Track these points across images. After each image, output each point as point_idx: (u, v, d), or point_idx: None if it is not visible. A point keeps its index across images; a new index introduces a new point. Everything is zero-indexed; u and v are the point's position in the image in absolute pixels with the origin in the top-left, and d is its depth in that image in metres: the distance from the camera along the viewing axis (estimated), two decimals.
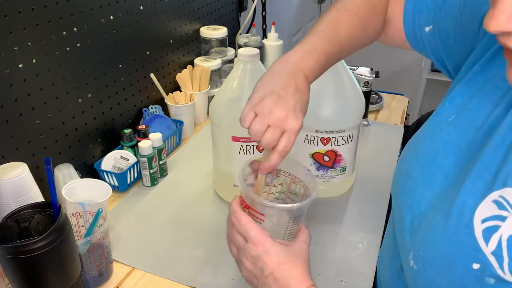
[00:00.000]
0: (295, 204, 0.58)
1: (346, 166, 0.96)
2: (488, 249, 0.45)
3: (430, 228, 0.52)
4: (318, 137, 0.91)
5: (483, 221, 0.46)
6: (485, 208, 0.47)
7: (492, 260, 0.45)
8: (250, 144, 0.88)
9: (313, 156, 0.93)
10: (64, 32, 0.88)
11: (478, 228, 0.47)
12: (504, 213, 0.45)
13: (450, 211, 0.49)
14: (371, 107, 1.35)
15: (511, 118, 0.49)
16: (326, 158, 0.94)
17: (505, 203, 0.45)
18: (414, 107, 2.75)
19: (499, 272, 0.45)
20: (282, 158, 0.59)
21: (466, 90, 0.58)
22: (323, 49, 0.63)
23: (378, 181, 1.04)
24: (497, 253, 0.45)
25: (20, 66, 0.79)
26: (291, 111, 0.58)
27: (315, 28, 0.66)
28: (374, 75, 1.21)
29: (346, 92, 0.91)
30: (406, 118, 1.39)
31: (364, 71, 1.21)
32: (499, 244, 0.45)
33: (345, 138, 0.92)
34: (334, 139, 0.91)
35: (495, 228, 0.45)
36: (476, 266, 0.46)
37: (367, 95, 1.20)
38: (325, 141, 0.91)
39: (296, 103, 0.58)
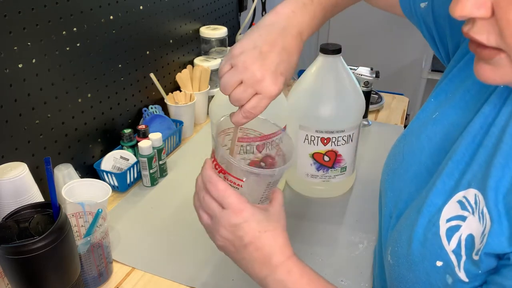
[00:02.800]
0: (276, 169, 0.55)
1: (346, 166, 0.96)
2: (449, 247, 0.47)
3: (405, 226, 0.53)
4: (318, 137, 0.91)
5: (448, 220, 0.48)
6: (451, 208, 0.48)
7: (453, 258, 0.47)
8: (251, 143, 0.87)
9: (313, 156, 0.93)
10: (64, 32, 0.87)
11: (443, 228, 0.48)
12: (465, 213, 0.46)
13: (422, 210, 0.51)
14: (371, 107, 1.35)
15: (482, 116, 0.49)
16: (326, 158, 0.94)
17: (466, 204, 0.47)
18: (414, 107, 2.74)
19: (456, 269, 0.46)
20: (247, 119, 0.54)
21: (450, 86, 0.58)
22: (319, 1, 0.57)
23: (378, 181, 1.04)
24: (457, 251, 0.46)
25: (20, 66, 0.79)
26: (269, 73, 0.51)
27: None
28: (374, 75, 1.20)
29: (346, 92, 0.91)
30: (406, 118, 1.39)
31: (364, 71, 1.21)
32: (459, 243, 0.47)
33: (345, 138, 0.91)
34: (334, 139, 0.91)
35: (457, 228, 0.47)
36: (439, 263, 0.48)
37: (367, 95, 1.20)
38: (325, 141, 0.91)
39: (278, 63, 0.52)
